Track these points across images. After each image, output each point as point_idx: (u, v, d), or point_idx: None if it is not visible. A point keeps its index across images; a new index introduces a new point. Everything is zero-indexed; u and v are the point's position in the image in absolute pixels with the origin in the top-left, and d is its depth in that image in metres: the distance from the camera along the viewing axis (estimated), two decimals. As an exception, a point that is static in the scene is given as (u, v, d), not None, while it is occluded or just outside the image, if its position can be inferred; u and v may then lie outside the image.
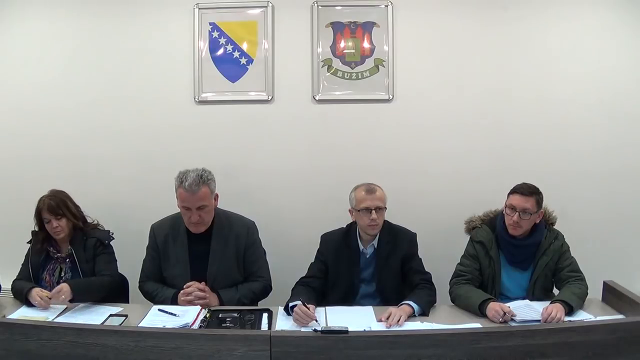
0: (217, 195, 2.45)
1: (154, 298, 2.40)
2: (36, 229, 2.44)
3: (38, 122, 3.03)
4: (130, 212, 2.95)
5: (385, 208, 2.40)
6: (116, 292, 2.42)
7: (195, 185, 2.31)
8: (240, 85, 3.00)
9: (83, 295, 2.22)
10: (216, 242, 2.43)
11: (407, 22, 2.96)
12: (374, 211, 2.33)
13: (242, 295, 2.39)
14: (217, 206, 2.49)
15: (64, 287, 2.19)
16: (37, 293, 2.20)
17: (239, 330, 2.00)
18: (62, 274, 2.40)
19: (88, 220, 2.49)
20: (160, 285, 2.42)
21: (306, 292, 2.27)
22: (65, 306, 2.19)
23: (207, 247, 2.42)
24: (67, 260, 2.41)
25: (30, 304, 2.21)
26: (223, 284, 2.39)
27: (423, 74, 2.97)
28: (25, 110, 3.03)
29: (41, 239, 2.41)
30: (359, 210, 2.37)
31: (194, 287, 2.28)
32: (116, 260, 2.50)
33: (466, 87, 2.97)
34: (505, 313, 2.04)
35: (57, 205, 2.37)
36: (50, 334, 1.83)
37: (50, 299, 2.18)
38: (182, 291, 2.29)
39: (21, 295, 2.25)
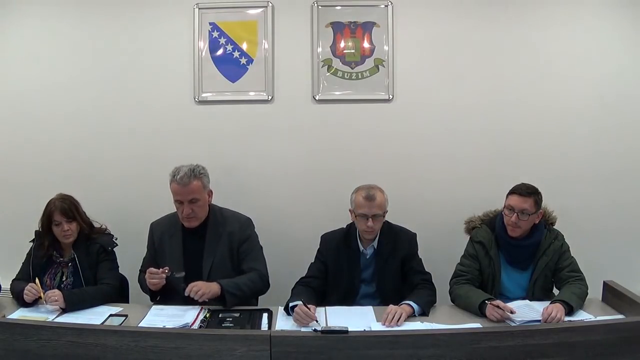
0: (210, 191, 2.47)
1: (143, 289, 2.44)
2: (39, 230, 2.42)
3: (38, 121, 3.03)
4: (130, 212, 2.95)
5: (386, 212, 2.40)
6: (116, 297, 2.40)
7: (187, 177, 2.36)
8: (240, 85, 3.00)
9: (77, 307, 2.20)
10: (210, 238, 2.44)
11: (407, 22, 2.96)
12: (370, 218, 2.32)
13: (241, 283, 2.33)
14: (215, 204, 2.51)
15: (58, 292, 2.19)
16: (31, 285, 2.21)
17: (239, 330, 2.00)
18: (64, 278, 2.39)
19: (96, 225, 2.49)
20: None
21: (306, 292, 2.27)
22: (59, 310, 2.18)
23: (202, 244, 2.44)
24: (70, 265, 2.40)
25: (25, 304, 2.21)
26: (216, 279, 2.36)
27: (423, 74, 2.97)
28: (25, 110, 3.03)
29: (45, 243, 2.39)
30: (356, 215, 2.37)
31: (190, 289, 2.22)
32: (118, 267, 2.50)
33: (466, 86, 2.97)
34: (500, 308, 2.04)
35: (69, 208, 2.38)
36: (50, 334, 1.83)
37: (40, 297, 2.18)
38: (148, 270, 2.28)
39: (18, 297, 2.24)
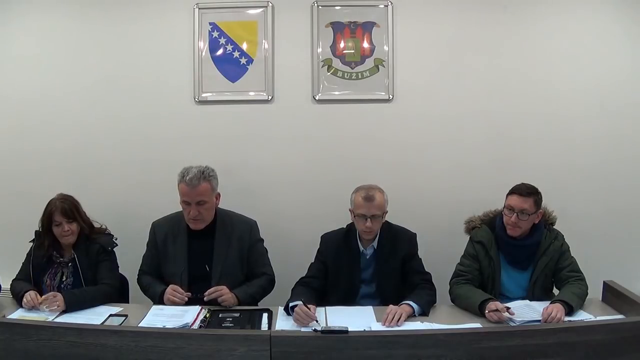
0: (218, 194, 2.46)
1: (146, 292, 2.43)
2: (40, 230, 2.42)
3: (39, 122, 3.03)
4: (130, 211, 2.95)
5: (386, 212, 2.40)
6: (116, 297, 2.40)
7: (196, 179, 2.34)
8: (240, 85, 3.00)
9: (77, 307, 2.20)
10: (219, 242, 2.43)
11: (407, 22, 2.96)
12: (369, 219, 2.33)
13: (254, 292, 2.39)
14: (219, 206, 2.50)
15: (59, 297, 2.18)
16: (29, 294, 2.19)
17: (239, 330, 2.00)
18: (64, 278, 2.38)
19: (96, 225, 2.48)
20: (154, 280, 2.43)
21: (306, 292, 2.27)
22: (57, 312, 2.16)
23: (208, 246, 2.43)
24: (70, 265, 2.39)
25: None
26: (227, 283, 2.37)
27: (423, 74, 2.98)
28: (26, 110, 3.03)
29: (45, 243, 2.39)
30: (355, 215, 2.37)
31: (215, 291, 2.25)
32: (118, 267, 2.50)
33: (466, 86, 2.97)
34: (498, 310, 2.04)
35: (69, 208, 2.37)
36: (50, 334, 1.83)
37: (41, 303, 2.17)
38: (171, 286, 2.29)
39: (17, 297, 2.24)
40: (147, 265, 2.50)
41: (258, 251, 2.51)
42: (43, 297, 2.19)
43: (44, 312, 2.15)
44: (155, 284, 2.39)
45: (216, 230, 2.44)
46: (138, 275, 2.50)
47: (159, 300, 2.31)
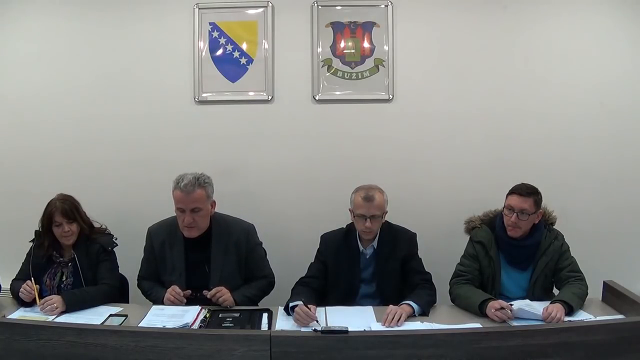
0: (214, 202, 2.44)
1: (148, 296, 2.43)
2: (39, 230, 2.42)
3: (39, 121, 3.03)
4: (130, 212, 2.95)
5: (386, 212, 2.40)
6: (116, 297, 2.40)
7: (191, 185, 2.32)
8: (240, 85, 3.00)
9: (76, 307, 2.20)
10: (217, 250, 2.41)
11: (407, 22, 2.96)
12: (368, 219, 2.33)
13: (252, 295, 2.39)
14: (216, 210, 2.47)
15: (56, 298, 2.18)
16: (26, 283, 2.21)
17: (239, 330, 2.00)
18: (64, 278, 2.38)
19: (96, 225, 2.48)
20: (155, 284, 2.43)
21: (306, 292, 2.27)
22: (57, 313, 2.16)
23: (205, 254, 2.41)
24: (70, 265, 2.39)
25: (24, 304, 2.21)
26: (226, 288, 2.37)
27: (423, 74, 2.98)
28: (25, 110, 3.03)
29: (45, 243, 2.39)
30: (355, 215, 2.37)
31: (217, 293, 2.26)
32: (118, 267, 2.49)
33: (466, 87, 2.97)
34: (503, 308, 2.04)
35: (70, 209, 2.36)
36: (50, 334, 1.83)
37: (36, 300, 2.18)
38: (173, 287, 2.29)
39: (18, 296, 2.24)
40: (145, 271, 2.49)
41: (257, 255, 2.49)
42: (40, 301, 2.18)
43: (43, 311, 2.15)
44: (157, 288, 2.39)
45: (212, 237, 2.42)
46: (138, 280, 2.50)
47: (161, 303, 2.31)
